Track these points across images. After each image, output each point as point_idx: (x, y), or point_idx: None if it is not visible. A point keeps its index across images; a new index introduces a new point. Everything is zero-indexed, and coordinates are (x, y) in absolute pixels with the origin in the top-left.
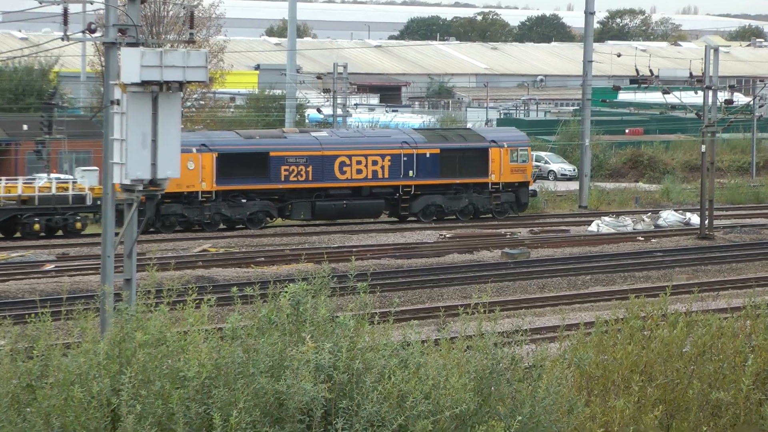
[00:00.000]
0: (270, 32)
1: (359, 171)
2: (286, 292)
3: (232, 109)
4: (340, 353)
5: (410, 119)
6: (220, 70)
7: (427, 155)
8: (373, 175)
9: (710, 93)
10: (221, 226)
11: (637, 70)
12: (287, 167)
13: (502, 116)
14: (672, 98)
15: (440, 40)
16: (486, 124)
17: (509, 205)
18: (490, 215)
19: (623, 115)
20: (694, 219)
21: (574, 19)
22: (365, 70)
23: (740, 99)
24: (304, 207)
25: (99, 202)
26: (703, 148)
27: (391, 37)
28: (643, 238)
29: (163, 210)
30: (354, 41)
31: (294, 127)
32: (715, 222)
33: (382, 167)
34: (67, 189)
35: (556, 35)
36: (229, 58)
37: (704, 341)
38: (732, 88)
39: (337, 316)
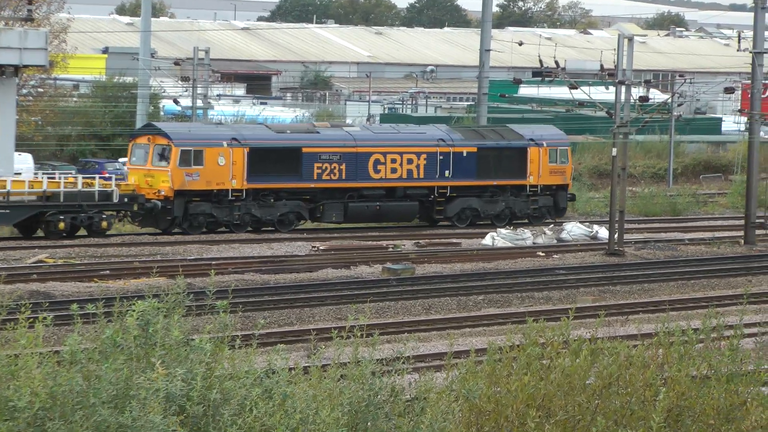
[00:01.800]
0: (121, 10)
1: (394, 170)
2: (134, 310)
3: (75, 98)
4: (194, 381)
5: (281, 113)
6: (63, 53)
7: (464, 154)
8: (408, 174)
9: (623, 88)
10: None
11: (541, 61)
12: (320, 165)
13: (386, 111)
14: (580, 94)
15: (317, 22)
16: (368, 120)
17: (547, 209)
18: (527, 220)
19: (524, 112)
20: (602, 232)
21: (471, 2)
22: (230, 55)
23: (657, 96)
24: (336, 208)
25: (126, 200)
26: (614, 151)
27: (260, 19)
28: (543, 254)
29: (191, 209)
30: (218, 22)
31: (324, 121)
32: (626, 236)
33: (418, 166)
34: (92, 185)
35: (449, 19)
36: (72, 39)
37: (611, 372)
38: (648, 84)
39: (192, 339)
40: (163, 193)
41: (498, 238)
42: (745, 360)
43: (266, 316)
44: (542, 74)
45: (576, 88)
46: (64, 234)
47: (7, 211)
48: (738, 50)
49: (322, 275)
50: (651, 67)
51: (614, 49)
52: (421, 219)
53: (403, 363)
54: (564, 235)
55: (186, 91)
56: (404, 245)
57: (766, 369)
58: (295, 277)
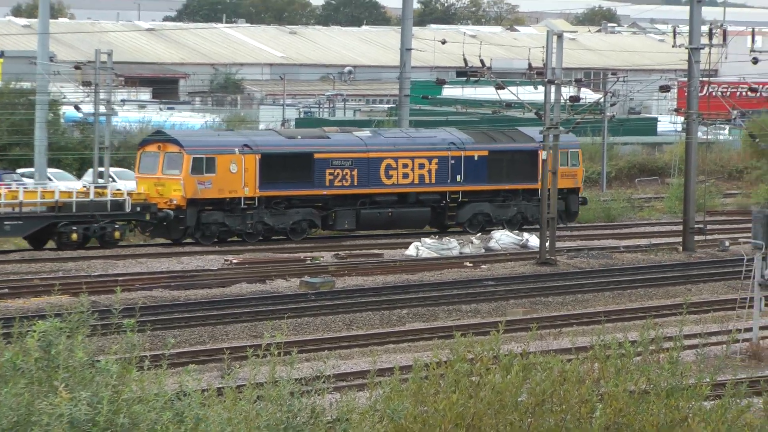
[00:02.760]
0: (17, 12)
1: (405, 175)
2: (35, 330)
3: None
4: (100, 405)
5: (190, 119)
6: None
7: (476, 158)
8: (419, 180)
9: (553, 88)
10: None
11: (465, 60)
12: (332, 171)
13: (301, 115)
14: (507, 94)
15: (227, 22)
16: (282, 125)
17: (558, 214)
18: (538, 226)
19: (449, 114)
20: (533, 241)
21: None
22: (135, 58)
23: (588, 95)
24: (349, 216)
25: (139, 209)
26: (544, 154)
27: (166, 19)
28: (471, 264)
29: (203, 218)
30: (121, 23)
31: (333, 126)
32: (558, 244)
33: (429, 171)
34: (104, 194)
35: (368, 17)
36: None
37: (544, 388)
38: (579, 83)
39: (97, 361)
40: (175, 202)
41: (423, 248)
42: (686, 373)
43: (177, 335)
44: (467, 74)
45: (503, 89)
46: (77, 245)
47: (20, 222)
48: (673, 46)
49: (236, 290)
50: (582, 65)
51: (543, 47)
52: (431, 225)
53: (324, 382)
54: (492, 244)
55: (88, 96)
56: (323, 257)
57: (707, 383)
58: (207, 293)
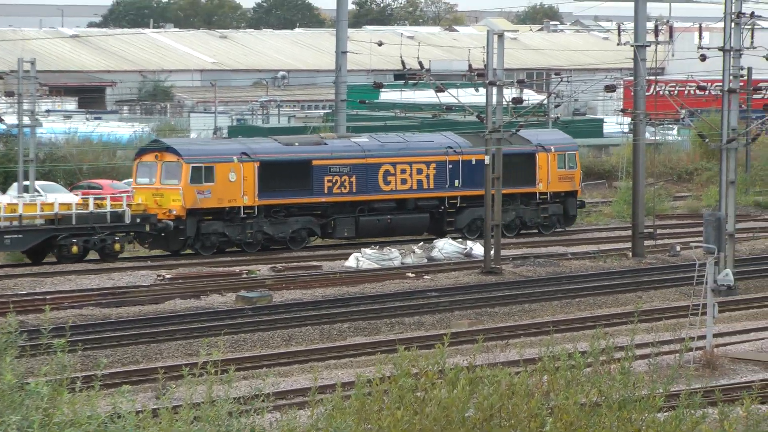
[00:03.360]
0: None
1: (404, 181)
2: None
3: None
4: (31, 429)
5: (118, 129)
6: None
7: (473, 162)
8: (418, 185)
9: (494, 90)
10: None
11: (403, 63)
12: (330, 178)
13: (234, 123)
14: (447, 97)
15: (154, 27)
16: (214, 134)
17: (557, 218)
18: (536, 230)
19: (387, 119)
20: (477, 249)
21: (324, 0)
22: (59, 66)
23: (532, 97)
24: (348, 223)
25: (138, 220)
26: (487, 159)
27: (90, 25)
28: (413, 275)
29: (203, 229)
30: (44, 30)
31: (331, 132)
32: (503, 252)
33: (428, 176)
34: (103, 206)
35: (301, 20)
36: None
37: (491, 402)
38: (521, 84)
39: (27, 383)
40: (174, 212)
41: (363, 259)
42: (638, 384)
43: (109, 354)
44: (405, 77)
45: (443, 91)
46: (76, 259)
47: (20, 235)
48: (618, 44)
49: (170, 307)
50: (524, 66)
51: (483, 47)
52: (429, 232)
53: (263, 401)
54: (435, 253)
55: (11, 107)
56: (260, 270)
57: (660, 393)
58: (140, 310)
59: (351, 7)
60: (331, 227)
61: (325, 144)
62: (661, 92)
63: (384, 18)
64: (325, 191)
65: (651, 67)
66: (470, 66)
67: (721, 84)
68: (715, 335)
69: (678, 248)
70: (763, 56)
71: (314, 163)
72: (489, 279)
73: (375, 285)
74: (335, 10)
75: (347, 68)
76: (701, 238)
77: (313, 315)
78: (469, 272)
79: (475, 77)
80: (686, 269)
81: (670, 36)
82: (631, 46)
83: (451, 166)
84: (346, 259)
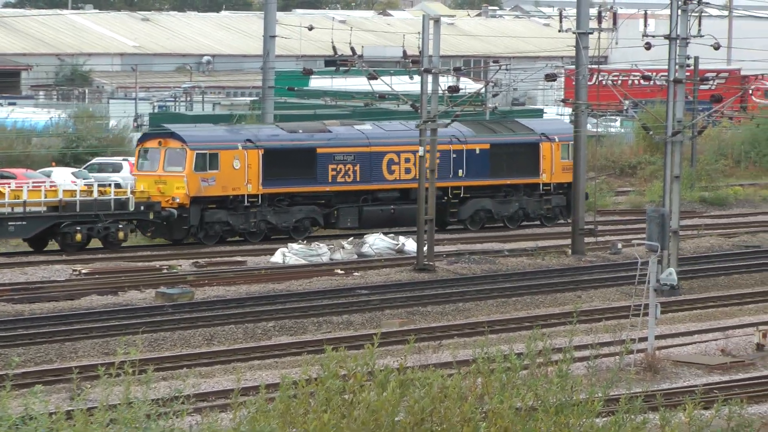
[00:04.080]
0: None
1: (408, 170)
2: None
3: None
4: None
5: (33, 115)
6: None
7: (477, 151)
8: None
9: (429, 78)
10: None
11: (334, 48)
12: (334, 166)
13: (156, 110)
14: (380, 85)
15: (73, 8)
16: (135, 121)
17: (560, 209)
18: (538, 222)
19: (317, 107)
20: (410, 245)
21: None
22: None
23: (469, 85)
24: (351, 213)
25: (143, 208)
26: (421, 150)
27: (6, 5)
28: (342, 271)
29: (207, 217)
30: None
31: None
32: (437, 248)
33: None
34: (107, 193)
35: (227, 2)
36: None
37: (423, 406)
38: (458, 72)
39: None
40: (177, 200)
41: (290, 254)
42: (576, 388)
43: (21, 353)
44: (336, 63)
45: (376, 79)
46: (80, 247)
47: (24, 222)
48: (560, 31)
49: (86, 303)
50: (461, 53)
51: (418, 33)
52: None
53: (183, 402)
54: (366, 249)
55: None
56: (181, 266)
57: (600, 398)
58: (54, 306)
59: None
60: (334, 217)
61: (329, 131)
62: (603, 82)
63: (315, 1)
64: (329, 180)
65: (593, 55)
66: (405, 52)
67: (666, 74)
68: (657, 337)
69: (620, 246)
70: (711, 45)
71: (319, 150)
72: (422, 276)
73: (302, 282)
74: None
75: (275, 53)
76: (644, 235)
77: (237, 313)
78: (401, 269)
79: (410, 64)
80: (628, 268)
81: (614, 23)
82: (573, 33)
83: (455, 156)
84: (272, 254)
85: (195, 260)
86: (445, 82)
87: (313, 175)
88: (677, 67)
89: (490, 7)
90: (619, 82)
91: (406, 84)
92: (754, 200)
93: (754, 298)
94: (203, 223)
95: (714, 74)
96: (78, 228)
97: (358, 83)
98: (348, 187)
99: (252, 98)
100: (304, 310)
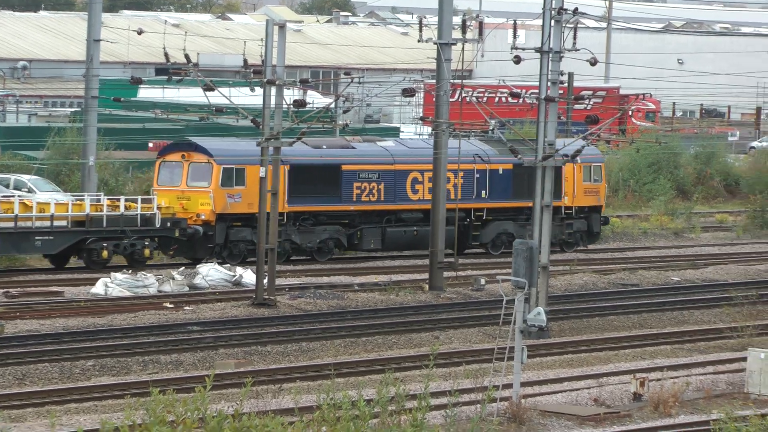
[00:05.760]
0: None
1: (431, 190)
2: None
3: None
4: None
5: None
6: None
7: (500, 171)
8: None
9: (273, 90)
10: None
11: (167, 55)
12: (359, 184)
13: None
14: (218, 97)
15: None
16: None
17: (580, 235)
18: (559, 248)
19: (147, 120)
20: (248, 276)
21: None
22: None
23: (317, 99)
24: (374, 234)
25: (169, 224)
26: (262, 171)
27: None
28: (172, 305)
29: (232, 235)
30: None
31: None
32: (279, 281)
33: (455, 186)
34: (134, 208)
35: (47, 1)
36: None
37: None
38: (305, 84)
39: None
40: (203, 217)
41: (113, 285)
42: None
43: None
44: (168, 72)
45: (213, 90)
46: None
47: (51, 237)
48: (419, 41)
49: None
50: (309, 63)
51: (261, 40)
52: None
53: None
54: (199, 280)
55: None
56: None
57: None
58: None
59: None
60: (357, 238)
61: (353, 147)
62: (467, 98)
63: (145, 2)
64: (354, 199)
65: (457, 68)
66: (245, 61)
67: (537, 91)
68: (524, 384)
69: (483, 281)
70: (587, 60)
71: (344, 168)
72: (261, 312)
73: (126, 316)
74: None
75: (100, 59)
76: (510, 271)
77: (52, 350)
78: (238, 304)
79: (251, 75)
80: (492, 306)
81: (480, 33)
82: (434, 43)
83: (478, 176)
84: (93, 284)
85: (6, 290)
86: (291, 95)
87: (338, 194)
88: (549, 83)
89: (342, 13)
90: (485, 99)
91: (247, 96)
92: (633, 233)
93: (631, 342)
94: (228, 241)
95: (590, 92)
96: (104, 244)
97: (192, 94)
98: (372, 207)
99: (73, 109)
100: (128, 347)
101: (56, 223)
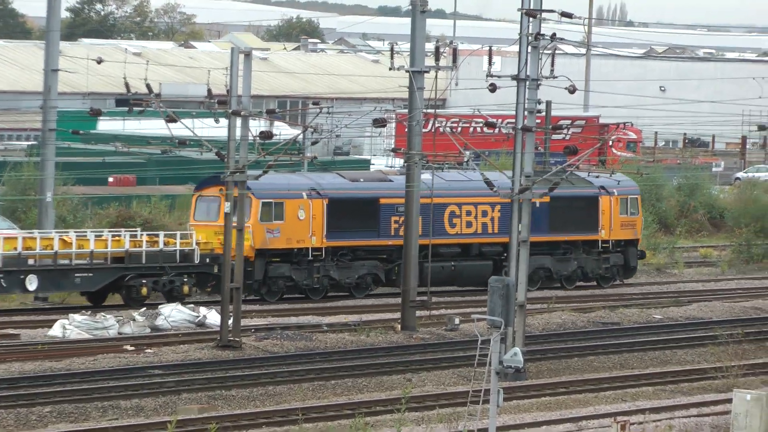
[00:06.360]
0: None
1: (469, 224)
2: None
3: None
4: None
5: None
6: None
7: (537, 205)
8: (483, 229)
9: (238, 121)
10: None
11: (127, 85)
12: (397, 218)
13: None
14: (181, 129)
15: None
16: None
17: (617, 269)
18: (595, 282)
19: (107, 153)
20: (213, 317)
21: (31, 6)
22: None
23: (284, 130)
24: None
25: (208, 260)
26: (227, 206)
27: None
28: (133, 348)
29: (271, 271)
30: None
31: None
32: (245, 322)
33: (492, 219)
34: (172, 244)
35: (2, 29)
36: None
37: None
38: (271, 114)
39: None
40: None
41: (71, 326)
42: None
43: None
44: (129, 102)
45: (175, 122)
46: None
47: (91, 274)
48: (391, 68)
49: None
50: (276, 92)
51: (226, 68)
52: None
53: None
54: (161, 321)
55: None
56: None
57: None
58: None
59: (65, 15)
60: (395, 273)
61: (390, 180)
62: (441, 129)
63: (105, 30)
64: (392, 233)
65: (430, 97)
66: (210, 91)
67: (513, 120)
68: (500, 428)
69: (457, 321)
70: (566, 88)
71: (382, 201)
72: (226, 354)
73: (85, 359)
74: (45, 18)
75: (59, 90)
76: (485, 309)
77: (7, 395)
78: (202, 346)
79: (216, 105)
80: (466, 347)
81: (454, 60)
82: (407, 71)
83: None
84: (50, 326)
85: None
86: (257, 126)
87: (376, 228)
88: (526, 112)
89: (310, 40)
90: (459, 129)
91: (211, 128)
92: None
93: (611, 384)
94: (267, 277)
95: (569, 122)
96: (143, 281)
97: (154, 126)
98: None
99: (30, 142)
100: (87, 392)
101: (95, 260)
